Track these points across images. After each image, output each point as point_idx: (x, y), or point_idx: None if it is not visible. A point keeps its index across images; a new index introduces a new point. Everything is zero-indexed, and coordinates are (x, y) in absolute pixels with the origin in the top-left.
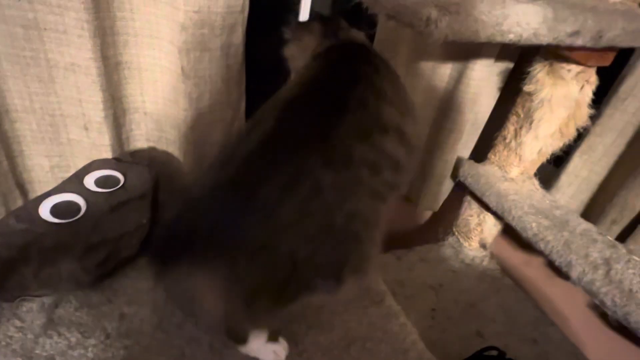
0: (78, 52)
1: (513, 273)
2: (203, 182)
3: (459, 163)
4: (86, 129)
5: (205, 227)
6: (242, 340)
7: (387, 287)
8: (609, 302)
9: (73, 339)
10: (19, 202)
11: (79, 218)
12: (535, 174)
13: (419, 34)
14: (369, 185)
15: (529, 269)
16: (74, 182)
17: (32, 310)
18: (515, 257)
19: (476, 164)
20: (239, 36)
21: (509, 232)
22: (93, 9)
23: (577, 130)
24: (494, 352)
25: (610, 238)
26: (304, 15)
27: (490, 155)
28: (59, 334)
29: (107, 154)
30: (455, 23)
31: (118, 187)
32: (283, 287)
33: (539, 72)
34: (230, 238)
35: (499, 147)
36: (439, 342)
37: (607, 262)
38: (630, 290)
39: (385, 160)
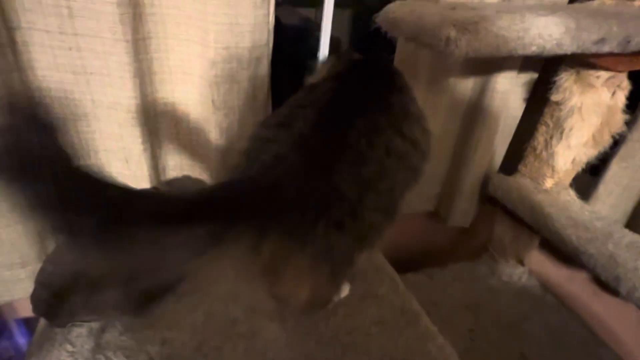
0: (120, 92)
1: (555, 290)
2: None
3: (488, 177)
4: (127, 161)
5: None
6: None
7: (421, 308)
8: None
9: None
10: None
11: None
12: (571, 185)
13: (440, 53)
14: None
15: (573, 284)
16: None
17: (81, 335)
18: (556, 273)
19: (506, 177)
20: (264, 68)
21: (548, 247)
22: (133, 52)
23: (613, 137)
24: None
25: None
26: (324, 41)
27: (521, 167)
28: (107, 358)
29: (146, 184)
30: (475, 41)
31: None
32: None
33: (566, 80)
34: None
35: (530, 158)
36: None
37: None
38: None
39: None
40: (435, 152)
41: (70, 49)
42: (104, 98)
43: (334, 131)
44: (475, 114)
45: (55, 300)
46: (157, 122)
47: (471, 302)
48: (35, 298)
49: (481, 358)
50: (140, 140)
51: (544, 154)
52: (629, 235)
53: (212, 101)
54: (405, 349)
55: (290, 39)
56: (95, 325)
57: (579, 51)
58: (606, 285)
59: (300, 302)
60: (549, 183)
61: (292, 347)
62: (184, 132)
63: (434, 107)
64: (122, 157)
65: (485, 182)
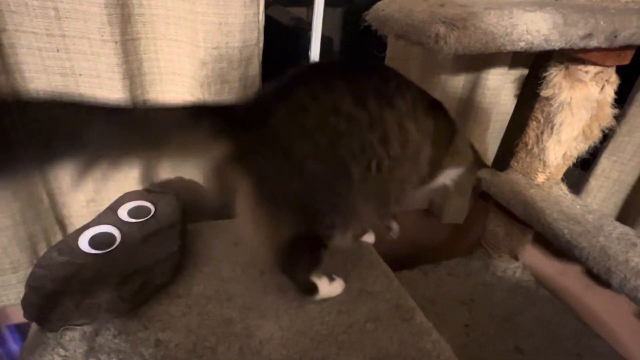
0: (110, 94)
1: (549, 284)
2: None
3: (481, 173)
4: None
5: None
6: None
7: (416, 304)
8: None
9: None
10: (59, 237)
11: (114, 248)
12: (563, 179)
13: (429, 50)
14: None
15: (566, 278)
16: (109, 214)
17: (74, 339)
18: (550, 267)
19: (499, 173)
20: (255, 67)
21: (541, 241)
22: (122, 53)
23: (602, 131)
24: None
25: None
26: (315, 40)
27: (513, 163)
28: None
29: (137, 185)
30: (464, 37)
31: (149, 216)
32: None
33: (555, 76)
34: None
35: (521, 154)
36: (475, 359)
37: None
38: None
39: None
40: None
41: (58, 50)
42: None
43: (292, 87)
44: (467, 110)
45: (47, 304)
46: None
47: (466, 297)
48: (26, 302)
49: (476, 352)
50: None
51: (535, 149)
52: (620, 228)
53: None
54: (400, 345)
55: (281, 39)
56: (88, 328)
57: (567, 46)
58: (598, 278)
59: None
60: (540, 178)
61: (286, 345)
62: None
63: None
64: None
65: (478, 178)
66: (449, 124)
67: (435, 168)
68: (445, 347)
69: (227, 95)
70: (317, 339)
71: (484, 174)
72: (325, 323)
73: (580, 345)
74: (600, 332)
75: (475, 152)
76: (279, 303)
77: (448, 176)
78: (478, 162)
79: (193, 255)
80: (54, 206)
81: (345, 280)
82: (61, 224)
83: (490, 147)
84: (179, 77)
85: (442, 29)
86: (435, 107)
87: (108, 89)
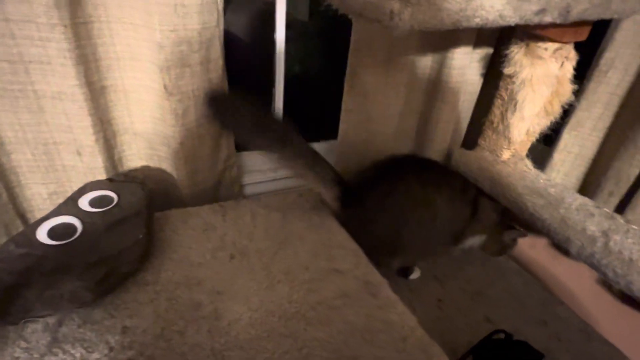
0: (63, 81)
1: (518, 257)
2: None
3: (450, 152)
4: (79, 154)
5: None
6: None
7: (391, 281)
8: (610, 274)
9: (77, 355)
10: None
11: (76, 238)
12: (528, 155)
13: (386, 28)
14: None
15: (534, 251)
16: (69, 205)
17: (36, 330)
18: (519, 241)
19: (467, 151)
20: (217, 50)
21: (511, 217)
22: (73, 38)
23: (562, 107)
24: (502, 336)
25: (607, 210)
26: (280, 21)
27: (480, 141)
28: (64, 351)
29: (102, 176)
30: (418, 13)
31: (112, 205)
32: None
33: (516, 53)
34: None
35: (488, 131)
36: (448, 331)
37: (605, 234)
38: (631, 259)
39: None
40: (399, 131)
41: (2, 36)
42: (47, 88)
43: (378, 180)
44: (435, 90)
45: (6, 298)
46: (109, 111)
47: (439, 272)
48: None
49: (449, 325)
50: (91, 131)
51: (500, 126)
52: (580, 199)
53: (164, 87)
54: (367, 318)
55: (244, 21)
56: (51, 319)
57: (522, 22)
58: (563, 249)
59: None
60: (506, 154)
61: (255, 325)
62: (138, 120)
63: (395, 84)
64: (73, 150)
65: (448, 157)
66: (470, 204)
67: (460, 237)
68: (411, 318)
69: (188, 79)
70: (286, 317)
71: (455, 153)
72: (293, 302)
73: (545, 312)
74: (564, 299)
75: (502, 214)
76: (249, 286)
77: (473, 242)
78: (504, 224)
79: (162, 243)
80: (14, 200)
81: (314, 260)
82: (23, 218)
83: (460, 126)
84: (138, 63)
85: (396, 5)
86: (464, 192)
87: (61, 76)
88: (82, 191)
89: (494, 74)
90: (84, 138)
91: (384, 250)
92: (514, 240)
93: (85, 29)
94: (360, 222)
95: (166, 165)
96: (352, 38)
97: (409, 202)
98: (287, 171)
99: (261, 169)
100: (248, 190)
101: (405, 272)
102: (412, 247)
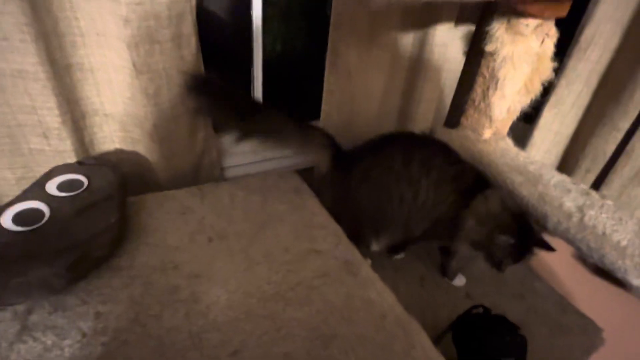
0: (24, 58)
1: None
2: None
3: (433, 130)
4: (46, 136)
5: None
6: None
7: (377, 261)
8: (584, 248)
9: (49, 342)
10: None
11: (43, 224)
12: (509, 134)
13: (360, 2)
14: None
15: None
16: (36, 190)
17: (5, 319)
18: None
19: (449, 130)
20: (189, 25)
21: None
22: (30, 10)
23: (543, 84)
24: (481, 310)
25: (584, 186)
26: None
27: (463, 120)
28: (34, 339)
29: (72, 159)
30: None
31: (82, 189)
32: None
33: (498, 30)
34: None
35: (470, 110)
36: (429, 307)
37: (580, 209)
38: (604, 233)
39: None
40: (382, 110)
41: None
42: (6, 65)
43: (367, 152)
44: (417, 68)
45: None
46: (75, 91)
47: (422, 253)
48: None
49: (431, 302)
50: (57, 112)
51: (482, 105)
52: (557, 176)
53: (133, 64)
54: (347, 297)
55: None
56: (20, 307)
57: None
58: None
59: None
60: (487, 133)
61: (233, 307)
62: (108, 100)
63: (378, 62)
64: (39, 132)
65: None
66: (465, 194)
67: (453, 228)
68: (390, 296)
69: (158, 56)
70: (265, 298)
71: (437, 132)
72: (272, 283)
73: (523, 287)
74: (542, 274)
75: (517, 216)
76: (227, 268)
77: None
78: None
79: (137, 227)
80: None
81: (295, 241)
82: None
83: (443, 105)
84: (104, 39)
85: None
86: (458, 179)
87: (21, 53)
88: (49, 175)
89: (476, 53)
90: (49, 120)
91: (365, 222)
92: (510, 250)
93: (44, 2)
94: (346, 188)
95: (140, 148)
96: (333, 13)
97: (391, 177)
98: (278, 145)
99: (243, 151)
100: (230, 173)
101: (395, 249)
102: (392, 223)
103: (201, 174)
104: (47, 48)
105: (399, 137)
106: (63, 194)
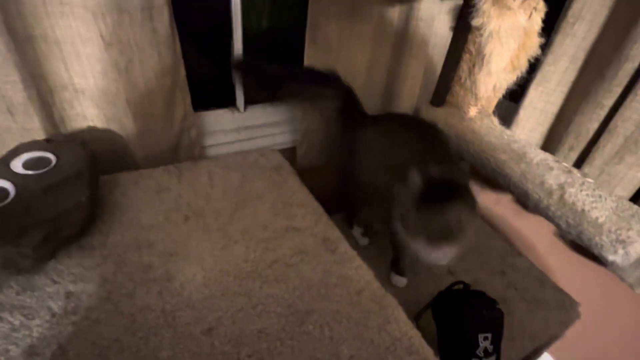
0: None
1: (484, 212)
2: None
3: (418, 109)
4: (11, 113)
5: None
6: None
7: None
8: (563, 225)
9: (16, 322)
10: None
11: (7, 203)
12: (494, 112)
13: None
14: None
15: (499, 207)
16: (0, 168)
17: None
18: (485, 198)
19: (434, 108)
20: None
21: (479, 174)
22: None
23: (529, 61)
24: (461, 286)
25: (566, 164)
26: None
27: (448, 98)
28: (1, 319)
29: (40, 137)
30: None
31: (50, 167)
32: None
33: (485, 3)
34: None
35: (456, 87)
36: (412, 284)
37: (561, 187)
38: (583, 210)
39: None
40: (367, 87)
41: None
42: None
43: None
44: (402, 44)
45: None
46: (40, 65)
47: None
48: None
49: (414, 280)
50: (21, 86)
51: (468, 82)
52: (541, 155)
53: (101, 36)
54: (324, 274)
55: None
56: None
57: None
58: (526, 204)
59: None
60: (472, 111)
61: (208, 285)
62: (77, 75)
63: (361, 37)
64: (3, 108)
65: (416, 114)
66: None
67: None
68: (366, 272)
69: (128, 28)
70: (241, 276)
71: (422, 110)
72: (249, 261)
73: (504, 263)
74: (524, 251)
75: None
76: (204, 246)
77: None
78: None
79: (110, 206)
80: None
81: (274, 219)
82: None
83: (429, 83)
84: (68, 7)
85: None
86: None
87: None
88: (14, 153)
89: (463, 28)
90: (13, 95)
91: (355, 186)
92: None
93: None
94: (344, 145)
95: (114, 126)
96: None
97: (387, 163)
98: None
99: (223, 129)
100: (211, 152)
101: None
102: (372, 203)
103: (180, 152)
104: (3, 16)
105: (416, 126)
106: (29, 172)
